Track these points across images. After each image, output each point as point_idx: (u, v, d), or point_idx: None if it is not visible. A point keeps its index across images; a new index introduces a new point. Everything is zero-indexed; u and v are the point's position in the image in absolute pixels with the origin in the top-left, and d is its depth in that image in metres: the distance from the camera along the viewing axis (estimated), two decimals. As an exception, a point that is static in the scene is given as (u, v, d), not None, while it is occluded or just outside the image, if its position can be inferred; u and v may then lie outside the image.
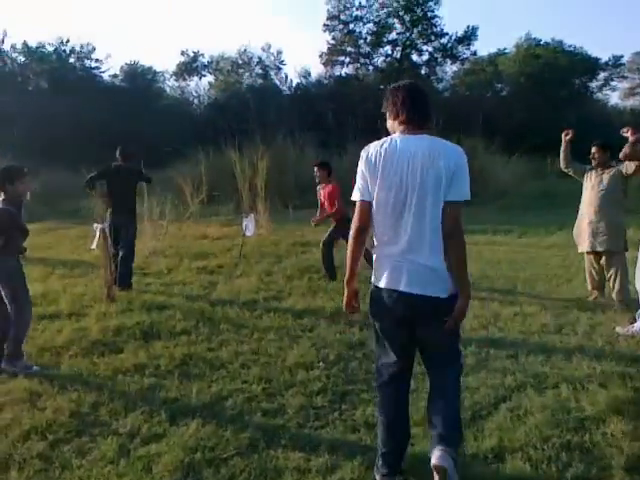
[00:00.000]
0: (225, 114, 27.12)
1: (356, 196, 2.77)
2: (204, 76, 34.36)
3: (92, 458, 3.08)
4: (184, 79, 34.35)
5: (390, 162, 2.64)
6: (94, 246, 6.20)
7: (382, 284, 2.70)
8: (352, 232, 2.77)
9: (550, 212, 13.02)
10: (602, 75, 34.38)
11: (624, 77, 36.54)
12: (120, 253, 6.58)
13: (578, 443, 3.12)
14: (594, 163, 5.94)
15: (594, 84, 34.49)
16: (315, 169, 7.09)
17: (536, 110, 27.87)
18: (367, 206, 2.72)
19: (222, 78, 33.14)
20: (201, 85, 34.46)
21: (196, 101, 34.12)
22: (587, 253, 6.01)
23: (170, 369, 4.26)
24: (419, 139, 2.64)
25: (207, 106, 32.47)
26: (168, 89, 34.58)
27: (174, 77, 34.24)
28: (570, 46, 31.97)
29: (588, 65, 32.50)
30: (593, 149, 5.94)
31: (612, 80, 35.36)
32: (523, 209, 14.00)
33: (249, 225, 7.98)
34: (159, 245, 8.94)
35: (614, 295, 5.79)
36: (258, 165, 11.63)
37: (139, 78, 32.03)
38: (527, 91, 30.03)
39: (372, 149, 2.72)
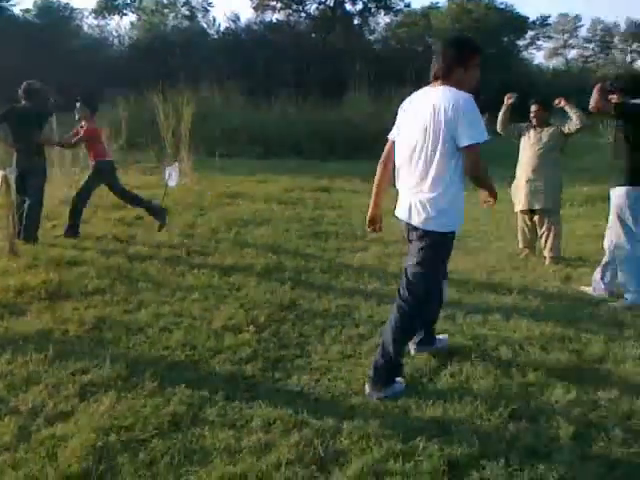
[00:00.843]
0: (148, 56, 25.65)
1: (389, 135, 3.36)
2: (125, 15, 32.34)
3: (-16, 443, 2.65)
4: (104, 17, 32.17)
5: (408, 111, 3.14)
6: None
7: (397, 212, 3.25)
8: (380, 161, 3.41)
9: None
10: (529, 34, 34.93)
11: (549, 37, 37.38)
12: (26, 202, 5.95)
13: (524, 412, 2.96)
14: (534, 122, 5.80)
15: (521, 42, 35.00)
16: (78, 105, 6.37)
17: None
18: (391, 144, 3.32)
19: (145, 18, 31.23)
20: (122, 25, 32.46)
21: (116, 42, 32.06)
22: (521, 211, 5.93)
23: (80, 334, 3.80)
24: (434, 91, 3.04)
25: (128, 47, 30.57)
26: (86, 27, 32.26)
27: (93, 15, 31.98)
28: (501, 3, 32.13)
29: (517, 23, 32.83)
30: (533, 107, 5.80)
31: (538, 40, 36.05)
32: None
33: (172, 174, 7.40)
34: (71, 194, 8.21)
35: (546, 253, 5.76)
36: (183, 111, 10.95)
37: (54, 14, 29.63)
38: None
39: (406, 99, 3.23)
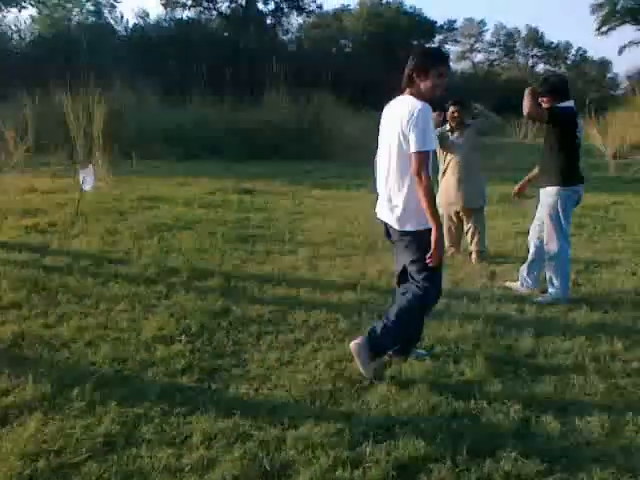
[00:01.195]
0: (52, 53, 24.41)
1: None
2: (25, 8, 30.56)
3: None
4: (0, 9, 30.25)
5: (384, 119, 3.40)
6: None
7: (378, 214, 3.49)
8: None
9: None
10: (437, 38, 36.19)
11: (457, 41, 38.87)
12: None
13: (465, 410, 3.00)
14: (454, 123, 5.92)
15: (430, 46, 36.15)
16: None
17: (377, 69, 28.54)
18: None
19: (47, 12, 29.69)
20: (21, 18, 30.68)
21: (16, 36, 30.28)
22: (449, 211, 6.05)
23: (-3, 352, 3.52)
24: (400, 99, 3.30)
25: (30, 43, 28.96)
26: (-20, 20, 30.25)
27: (-13, 6, 29.99)
28: (411, 7, 33.20)
29: (426, 28, 34.02)
30: (452, 108, 5.90)
31: (446, 43, 37.42)
32: (371, 164, 14.18)
33: (87, 178, 7.04)
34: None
35: (473, 247, 5.95)
36: (94, 111, 10.47)
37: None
38: (370, 49, 30.66)
39: (386, 106, 3.44)
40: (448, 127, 5.95)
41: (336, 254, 5.94)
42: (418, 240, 3.22)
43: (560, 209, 4.58)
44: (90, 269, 5.20)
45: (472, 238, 5.95)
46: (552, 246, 4.64)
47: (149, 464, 2.54)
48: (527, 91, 4.53)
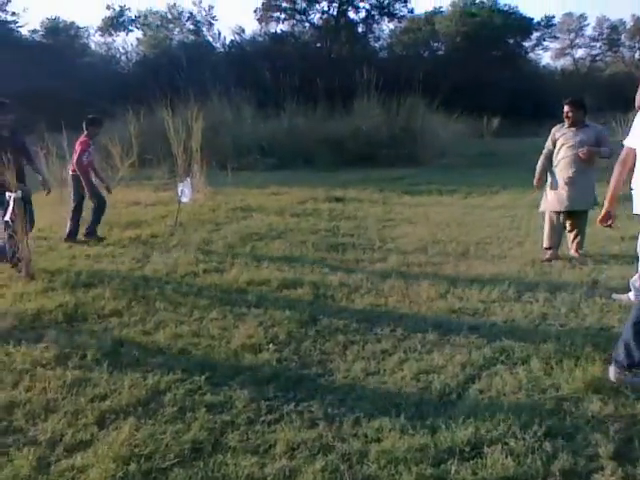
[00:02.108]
0: (155, 72, 25.85)
1: None
2: (131, 31, 32.68)
3: (3, 477, 2.57)
4: (110, 34, 32.51)
5: None
6: (7, 217, 5.46)
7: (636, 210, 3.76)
8: (618, 165, 3.95)
9: (491, 172, 12.96)
10: (534, 35, 34.80)
11: (555, 37, 37.22)
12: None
13: (560, 429, 2.83)
14: (568, 122, 5.69)
15: (527, 44, 34.87)
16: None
17: (472, 70, 27.87)
18: (627, 150, 3.87)
19: (151, 34, 31.50)
20: (128, 41, 32.88)
21: (124, 58, 32.36)
22: (555, 212, 5.82)
23: (98, 358, 3.71)
24: None
25: (136, 63, 30.86)
26: (93, 45, 32.65)
27: (99, 32, 32.34)
28: (505, 5, 32.19)
29: (522, 25, 32.85)
30: (566, 108, 5.70)
31: (544, 40, 35.94)
32: (465, 169, 13.86)
33: (185, 190, 7.38)
34: (85, 212, 8.19)
35: (574, 251, 5.89)
36: (193, 126, 10.93)
37: (61, 34, 30.05)
38: (463, 51, 29.99)
39: None
40: (567, 125, 5.74)
41: (426, 262, 5.83)
42: None
43: None
44: (186, 278, 5.41)
45: (574, 240, 5.90)
46: None
47: (233, 472, 2.59)
48: None
